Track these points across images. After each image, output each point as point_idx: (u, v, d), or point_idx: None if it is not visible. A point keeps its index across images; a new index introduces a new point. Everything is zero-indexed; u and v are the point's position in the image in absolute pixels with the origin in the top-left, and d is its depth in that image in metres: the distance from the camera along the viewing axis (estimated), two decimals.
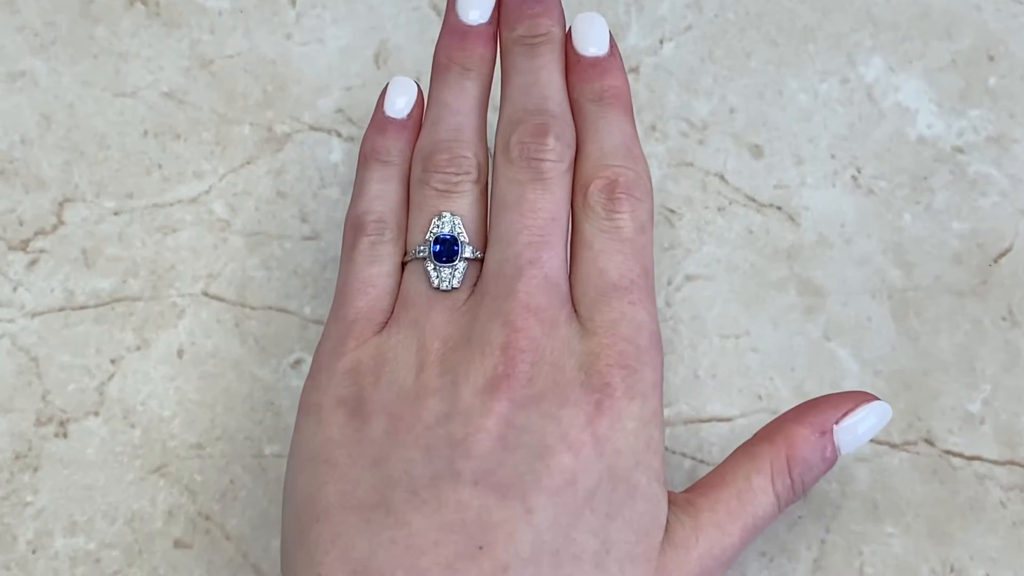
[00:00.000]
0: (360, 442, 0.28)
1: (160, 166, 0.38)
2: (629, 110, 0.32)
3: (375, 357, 0.29)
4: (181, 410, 0.35)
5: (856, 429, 0.30)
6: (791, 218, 0.38)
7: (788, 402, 0.36)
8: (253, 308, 0.37)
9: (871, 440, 0.34)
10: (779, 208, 0.39)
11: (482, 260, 0.30)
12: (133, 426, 0.35)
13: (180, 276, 0.37)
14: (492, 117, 0.33)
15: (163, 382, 0.35)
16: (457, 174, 0.31)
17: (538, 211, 0.30)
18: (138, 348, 0.36)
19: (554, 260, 0.30)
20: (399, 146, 0.32)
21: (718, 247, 0.38)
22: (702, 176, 0.39)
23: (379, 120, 0.33)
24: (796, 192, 0.39)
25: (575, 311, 0.30)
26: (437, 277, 0.30)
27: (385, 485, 0.28)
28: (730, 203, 0.39)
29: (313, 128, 0.39)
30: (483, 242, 0.31)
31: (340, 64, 0.40)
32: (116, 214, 0.37)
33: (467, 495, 0.27)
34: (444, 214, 0.30)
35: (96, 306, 0.36)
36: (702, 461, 0.36)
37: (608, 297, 0.29)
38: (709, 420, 0.36)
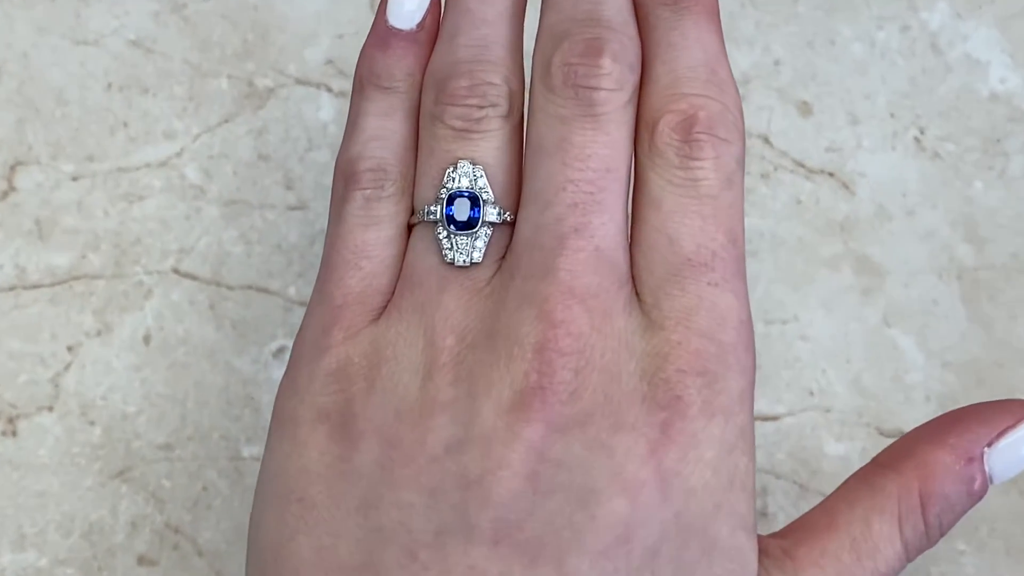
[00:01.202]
0: (345, 476, 0.23)
1: (125, 124, 0.36)
2: (715, 17, 0.26)
3: (369, 355, 0.24)
4: (147, 405, 0.33)
5: (1019, 450, 0.24)
6: (845, 186, 0.36)
7: (843, 398, 0.34)
8: (230, 288, 0.34)
9: None
10: (831, 174, 0.36)
11: (513, 224, 0.24)
12: (92, 423, 0.33)
13: (147, 251, 0.34)
14: (531, 30, 0.27)
15: (127, 373, 0.33)
16: (481, 107, 0.25)
17: (588, 159, 0.24)
18: (98, 333, 0.33)
19: (608, 226, 0.24)
20: (406, 67, 0.26)
21: (761, 219, 0.35)
22: (747, 139, 0.34)
23: (380, 31, 0.26)
24: (851, 156, 0.36)
25: (636, 296, 0.24)
26: (451, 248, 0.24)
27: (374, 540, 0.22)
28: (775, 169, 0.36)
29: (299, 82, 0.36)
30: (514, 200, 0.25)
31: (330, 9, 0.37)
32: (75, 179, 0.35)
33: (483, 559, 0.21)
34: (462, 162, 0.24)
35: (51, 285, 0.34)
36: None
37: (681, 276, 0.24)
38: (753, 419, 0.31)
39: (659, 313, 0.23)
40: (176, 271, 0.34)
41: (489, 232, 0.24)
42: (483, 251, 0.24)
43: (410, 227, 0.25)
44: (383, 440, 0.23)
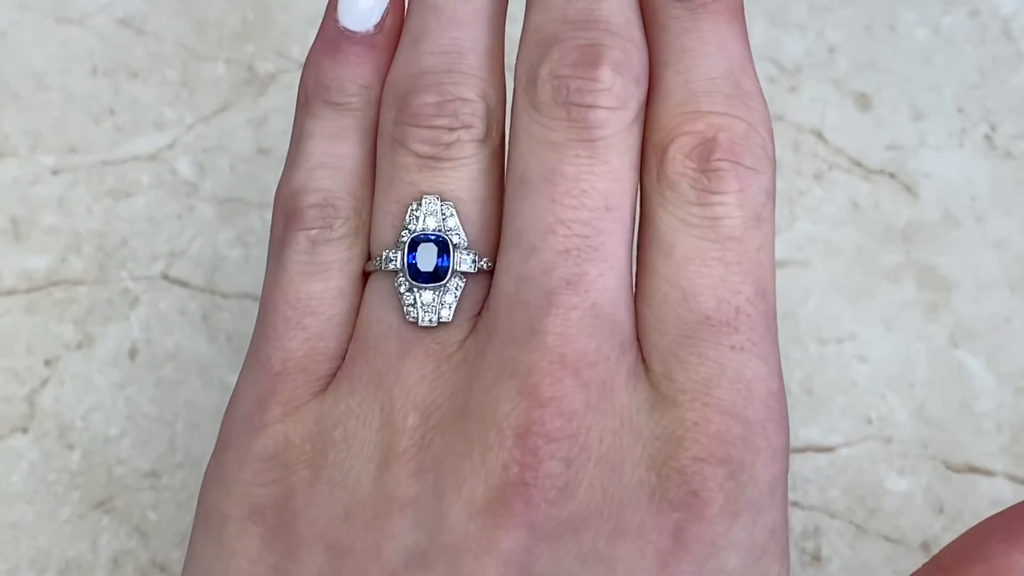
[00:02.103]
0: None
1: (112, 113, 0.35)
2: (739, 16, 0.22)
3: (313, 437, 0.21)
4: (132, 427, 0.32)
5: None
6: (907, 188, 0.34)
7: (906, 427, 0.32)
8: (225, 296, 0.33)
9: (1005, 481, 0.30)
10: (892, 175, 0.34)
11: (491, 274, 0.22)
12: (71, 447, 0.31)
13: (134, 254, 0.33)
14: (515, 34, 0.24)
15: (110, 390, 0.32)
16: (452, 128, 0.21)
17: (583, 195, 0.21)
18: (79, 346, 0.32)
19: (608, 278, 0.20)
20: (360, 78, 0.23)
21: (814, 224, 0.34)
22: (794, 133, 0.35)
23: (329, 34, 0.23)
24: (913, 154, 0.34)
25: (643, 363, 0.21)
26: (414, 304, 0.21)
27: None
28: (829, 168, 0.34)
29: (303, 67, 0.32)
30: (492, 244, 0.22)
31: None
32: (55, 173, 0.34)
33: None
34: (428, 198, 0.21)
35: (28, 291, 0.33)
36: (795, 503, 0.31)
37: (699, 339, 0.20)
38: (804, 450, 0.31)
39: (671, 385, 0.20)
40: (166, 277, 0.33)
41: (461, 284, 0.21)
42: (453, 308, 0.21)
43: (365, 276, 0.23)
44: (329, 547, 0.20)
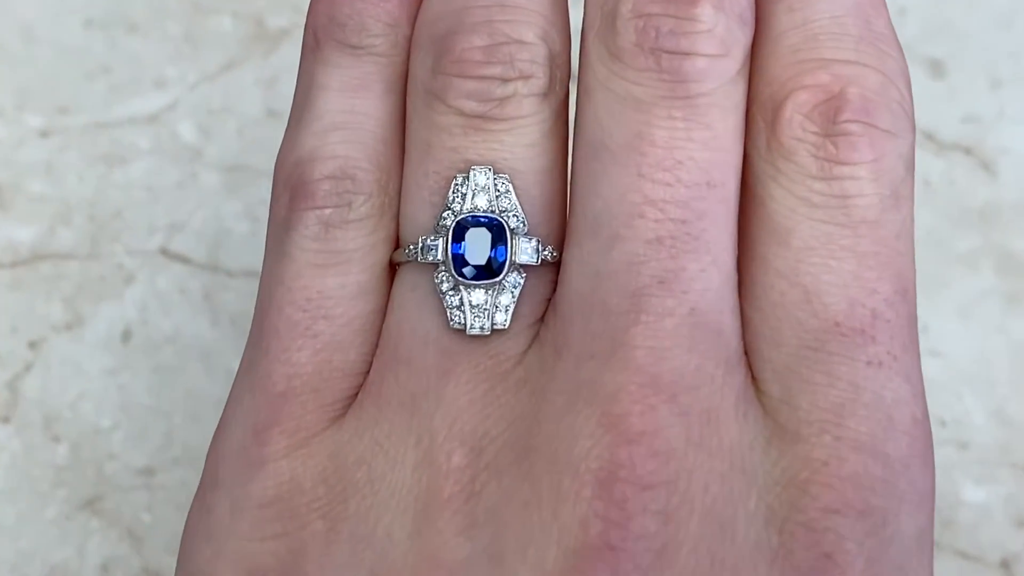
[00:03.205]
0: None
1: (107, 70, 0.34)
2: None
3: (328, 478, 0.18)
4: (125, 418, 0.31)
5: None
6: (984, 165, 0.33)
7: (984, 431, 0.30)
8: (230, 274, 0.32)
9: None
10: (968, 150, 0.33)
11: (557, 267, 0.19)
12: (57, 439, 0.30)
13: (130, 226, 0.32)
14: None
15: (101, 377, 0.31)
16: (505, 80, 0.19)
17: (678, 167, 0.18)
18: (68, 327, 0.31)
19: (711, 275, 0.18)
20: (385, 14, 0.20)
21: None
22: None
23: None
24: (991, 128, 0.33)
25: (754, 383, 0.18)
26: (461, 307, 0.18)
27: None
28: None
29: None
30: (558, 229, 0.19)
31: None
32: (44, 136, 0.33)
33: None
34: (477, 169, 0.19)
35: (12, 265, 0.32)
36: None
37: (827, 352, 0.17)
38: None
39: (792, 414, 0.17)
40: (164, 252, 0.32)
41: (520, 281, 0.18)
42: (511, 312, 0.18)
43: (393, 269, 0.20)
44: None
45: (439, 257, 0.18)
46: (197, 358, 0.31)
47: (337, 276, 0.19)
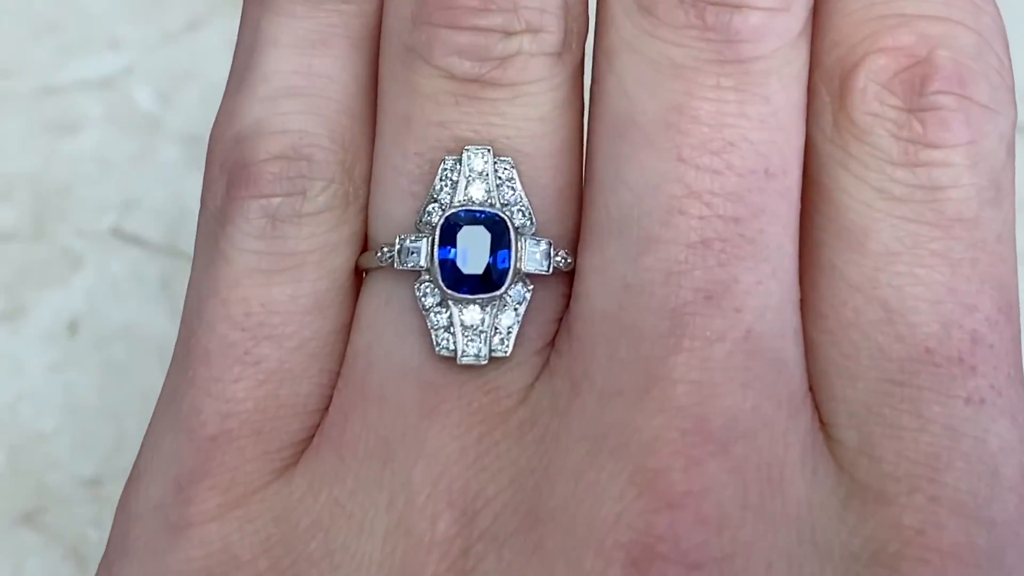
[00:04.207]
0: None
1: (55, 28, 0.32)
2: None
3: (272, 548, 0.16)
4: (71, 422, 0.29)
5: None
6: None
7: None
8: (192, 259, 0.29)
9: None
10: None
11: (570, 274, 0.16)
12: None
13: (79, 204, 0.31)
14: None
15: (44, 375, 0.29)
16: (508, 33, 0.16)
17: (730, 150, 0.15)
18: (7, 317, 0.30)
19: (770, 291, 0.15)
20: None
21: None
22: None
23: None
24: None
25: (822, 425, 0.15)
26: (451, 328, 0.16)
27: None
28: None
29: None
30: (572, 225, 0.16)
31: None
32: None
33: None
34: (472, 149, 0.16)
35: None
36: None
37: (914, 387, 0.15)
38: None
39: (873, 467, 0.15)
40: (118, 233, 0.31)
41: (526, 295, 0.16)
42: (514, 335, 0.15)
43: (359, 276, 0.17)
44: None
45: (422, 263, 0.16)
46: (153, 354, 0.30)
47: (286, 284, 0.16)
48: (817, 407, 0.15)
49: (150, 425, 0.17)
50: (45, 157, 0.31)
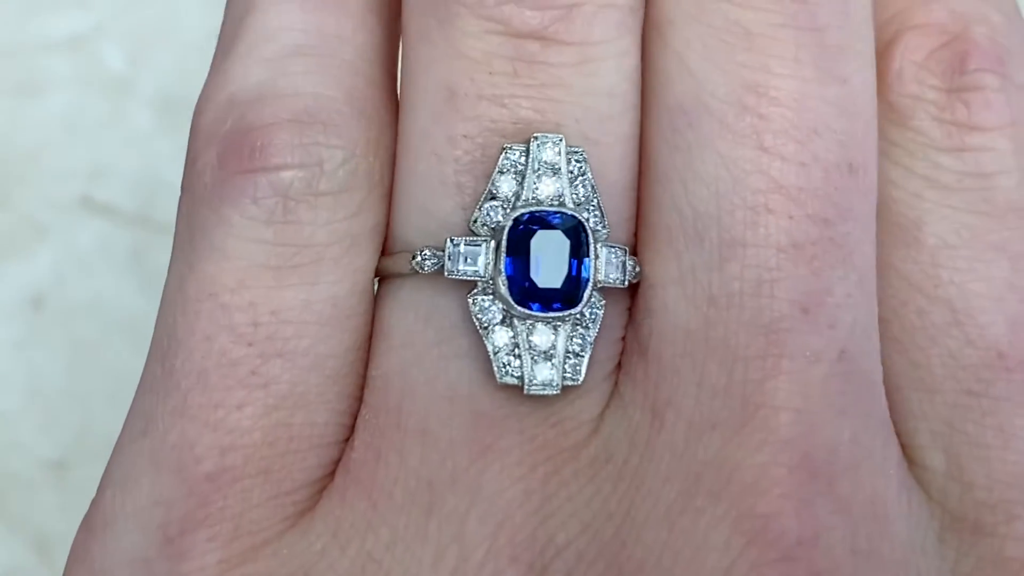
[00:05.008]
0: None
1: None
2: None
3: None
4: (35, 402, 0.29)
5: None
6: None
7: None
8: (164, 229, 0.29)
9: None
10: None
11: (632, 286, 0.14)
12: None
13: (44, 171, 0.31)
14: None
15: (6, 352, 0.29)
16: None
17: (814, 138, 0.13)
18: None
19: (858, 303, 0.14)
20: None
21: None
22: None
23: None
24: None
25: (902, 447, 0.14)
26: (514, 353, 0.13)
27: None
28: None
29: None
30: (634, 228, 0.14)
31: None
32: None
33: None
34: (543, 138, 0.13)
35: None
36: None
37: (992, 399, 0.14)
38: None
39: (964, 494, 0.13)
40: (86, 202, 0.30)
41: (600, 311, 0.13)
42: (587, 357, 0.13)
43: (379, 278, 0.15)
44: None
45: (480, 272, 0.13)
46: (122, 330, 0.29)
47: (300, 287, 0.14)
48: (895, 428, 0.14)
49: (115, 460, 0.14)
50: (8, 121, 0.30)
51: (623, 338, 0.14)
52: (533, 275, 0.13)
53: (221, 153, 0.14)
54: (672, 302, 0.13)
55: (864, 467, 0.13)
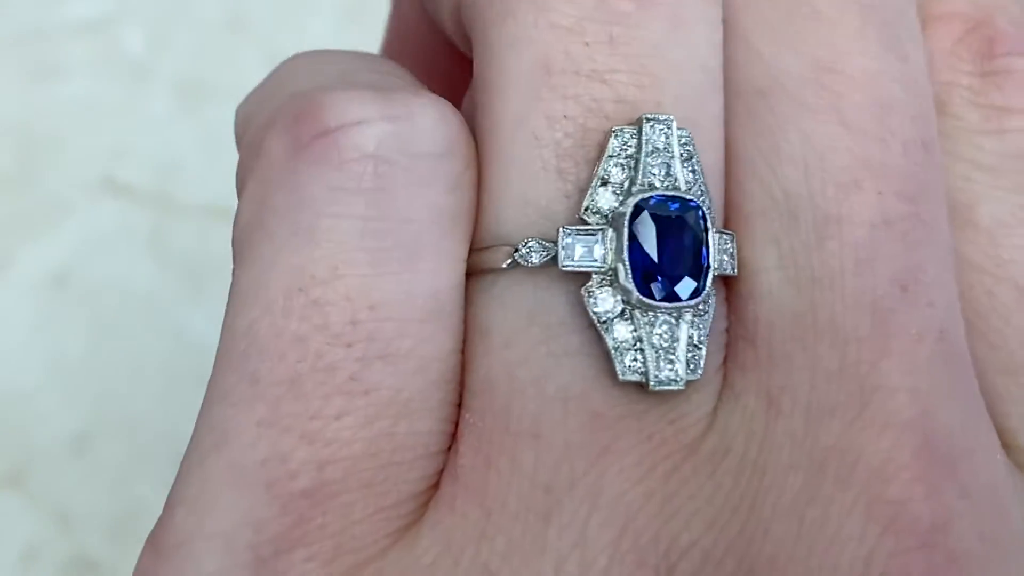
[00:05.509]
0: None
1: None
2: None
3: None
4: (56, 378, 0.29)
5: None
6: None
7: None
8: (183, 209, 0.31)
9: None
10: None
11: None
12: None
13: (67, 152, 0.31)
14: None
15: (28, 330, 0.29)
16: None
17: (888, 114, 0.13)
18: None
19: (948, 281, 0.13)
20: None
21: None
22: None
23: None
24: None
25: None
26: (637, 348, 0.12)
27: None
28: None
29: None
30: (724, 207, 0.14)
31: None
32: None
33: None
34: (653, 119, 0.13)
35: None
36: None
37: None
38: None
39: None
40: (106, 182, 0.31)
41: (712, 301, 0.13)
42: (704, 349, 0.13)
43: (469, 274, 0.13)
44: None
45: (599, 263, 0.12)
46: (141, 307, 0.30)
47: (401, 274, 0.12)
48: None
49: (185, 477, 0.13)
50: (31, 104, 0.30)
51: (727, 329, 0.13)
52: (660, 264, 0.12)
53: (288, 123, 0.13)
54: (777, 287, 0.13)
55: (978, 451, 0.12)
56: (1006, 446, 0.13)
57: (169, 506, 0.13)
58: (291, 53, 0.26)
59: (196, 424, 0.13)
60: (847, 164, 0.12)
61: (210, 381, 0.13)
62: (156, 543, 0.13)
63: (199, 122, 0.31)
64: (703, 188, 0.12)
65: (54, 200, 0.30)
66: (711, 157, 0.13)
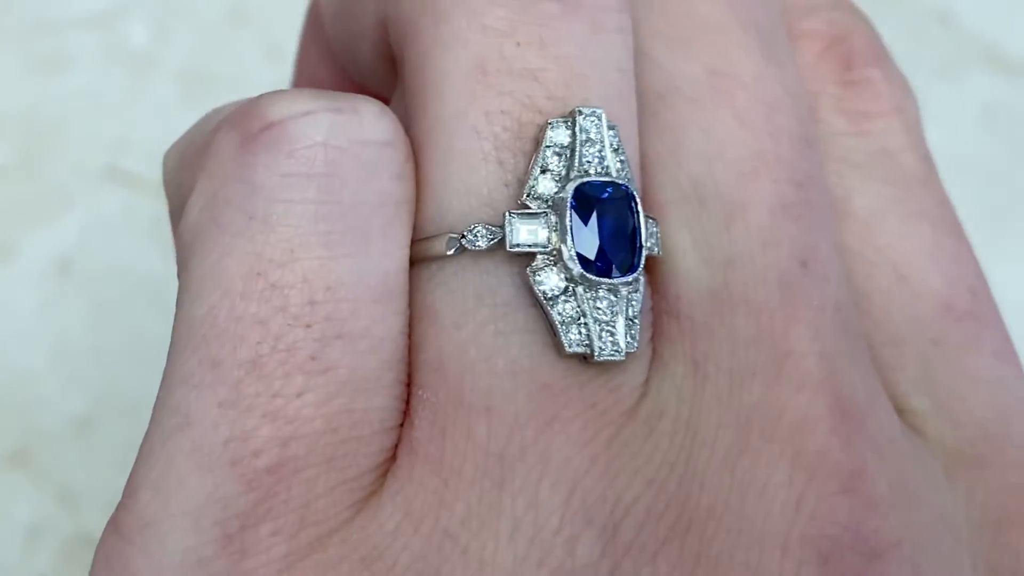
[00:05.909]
0: None
1: None
2: None
3: None
4: (60, 361, 0.29)
5: None
6: None
7: None
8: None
9: None
10: None
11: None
12: None
13: (71, 141, 0.31)
14: None
15: (33, 314, 0.29)
16: None
17: (775, 112, 0.14)
18: None
19: (836, 259, 0.14)
20: None
21: (940, 132, 0.29)
22: (913, 17, 0.31)
23: None
24: None
25: None
26: (580, 322, 0.13)
27: None
28: (957, 62, 0.32)
29: None
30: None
31: None
32: None
33: None
34: (586, 112, 0.13)
35: None
36: None
37: (951, 346, 0.15)
38: None
39: (956, 432, 0.14)
40: (111, 171, 0.31)
41: (641, 278, 0.14)
42: (639, 322, 0.13)
43: (413, 259, 0.14)
44: None
45: (543, 244, 0.13)
46: (143, 293, 0.30)
47: (352, 257, 0.13)
48: None
49: (147, 460, 0.13)
50: (37, 94, 0.31)
51: (651, 308, 0.14)
52: (600, 243, 0.13)
53: (236, 120, 0.13)
54: (694, 266, 0.13)
55: (877, 411, 0.13)
56: (898, 410, 0.14)
57: (131, 489, 0.13)
58: (292, 45, 0.26)
59: (155, 408, 0.13)
60: (744, 155, 0.14)
61: (167, 367, 0.13)
62: (119, 526, 0.13)
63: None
64: (630, 176, 0.13)
65: (59, 188, 0.30)
66: (630, 150, 0.14)
